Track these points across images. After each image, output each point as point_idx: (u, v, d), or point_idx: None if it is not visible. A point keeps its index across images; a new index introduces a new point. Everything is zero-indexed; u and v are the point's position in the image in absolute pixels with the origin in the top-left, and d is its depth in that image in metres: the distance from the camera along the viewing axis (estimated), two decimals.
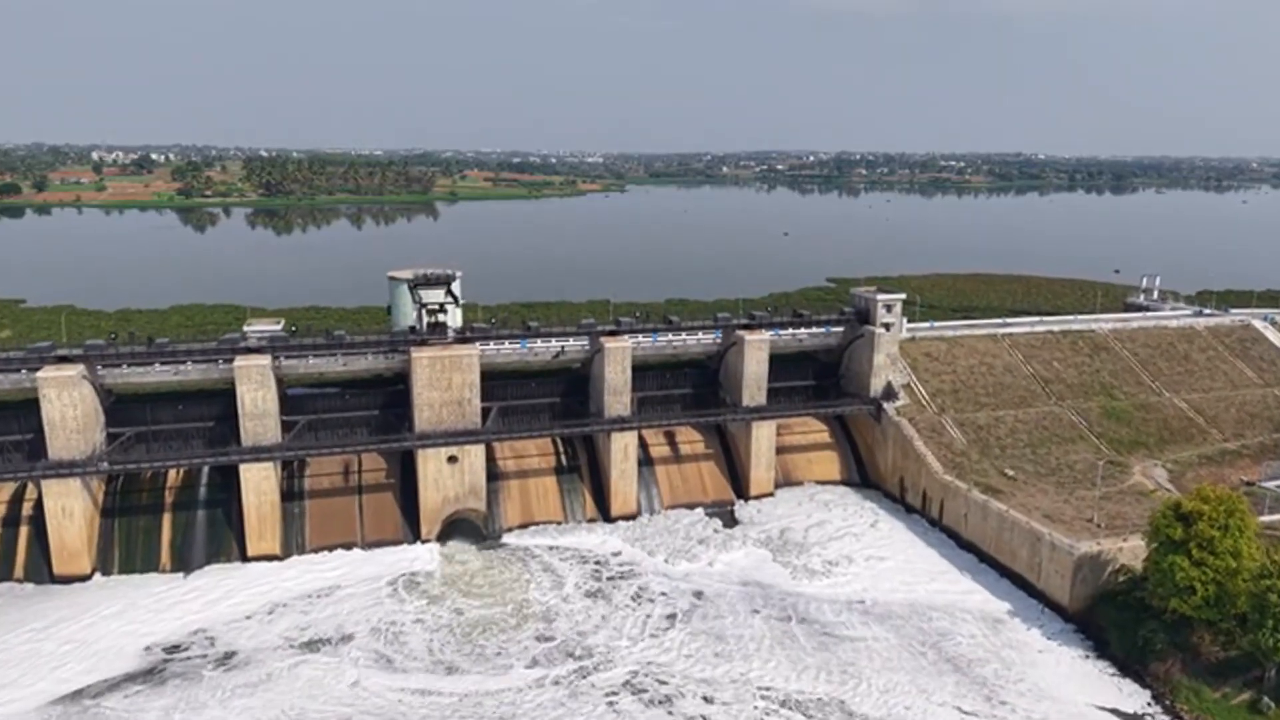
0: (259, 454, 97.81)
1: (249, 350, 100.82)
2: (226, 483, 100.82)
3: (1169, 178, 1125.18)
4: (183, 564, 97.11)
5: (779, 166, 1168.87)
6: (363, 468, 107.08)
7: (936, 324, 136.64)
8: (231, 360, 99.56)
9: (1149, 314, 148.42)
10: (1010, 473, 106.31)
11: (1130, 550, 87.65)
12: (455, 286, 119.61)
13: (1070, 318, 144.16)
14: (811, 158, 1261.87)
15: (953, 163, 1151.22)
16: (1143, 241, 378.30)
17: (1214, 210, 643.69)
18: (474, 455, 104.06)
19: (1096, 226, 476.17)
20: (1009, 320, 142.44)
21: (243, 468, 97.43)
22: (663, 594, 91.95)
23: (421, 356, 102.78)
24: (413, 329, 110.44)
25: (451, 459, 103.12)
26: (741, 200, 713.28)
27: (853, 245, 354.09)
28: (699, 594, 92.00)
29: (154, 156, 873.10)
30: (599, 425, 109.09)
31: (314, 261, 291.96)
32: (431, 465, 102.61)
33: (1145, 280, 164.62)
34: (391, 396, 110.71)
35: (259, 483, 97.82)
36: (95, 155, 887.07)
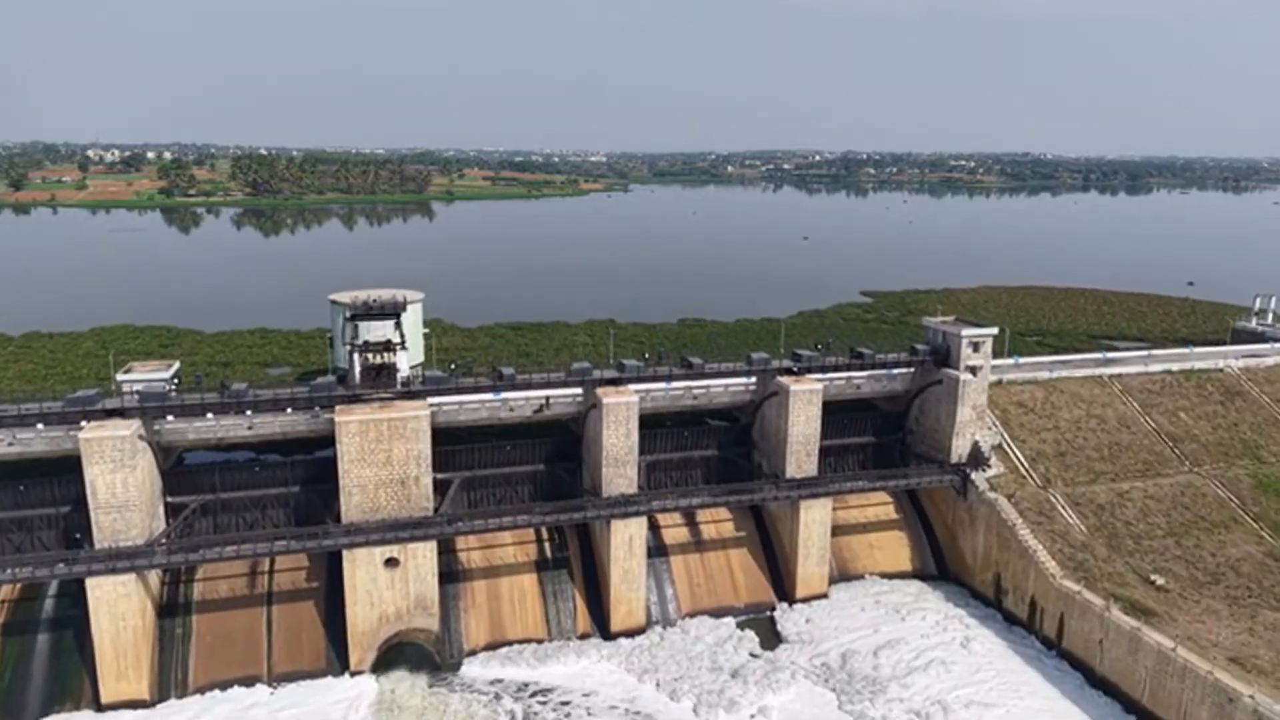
0: (115, 563, 69.68)
1: (107, 413, 72.71)
2: (82, 595, 72.83)
3: (1183, 178, 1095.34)
4: (11, 715, 69.27)
5: (785, 166, 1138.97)
6: (275, 568, 79.19)
7: (1022, 359, 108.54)
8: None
9: (1278, 345, 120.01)
10: (1159, 580, 77.89)
11: None
12: (409, 317, 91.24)
13: (1185, 350, 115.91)
14: (818, 157, 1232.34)
15: (963, 162, 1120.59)
16: (1194, 247, 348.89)
17: (1247, 212, 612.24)
18: (421, 555, 75.94)
19: (1131, 229, 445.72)
20: (1111, 355, 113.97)
21: (90, 584, 69.35)
22: None
23: (350, 421, 74.63)
24: (343, 378, 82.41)
25: (390, 561, 75.07)
26: (750, 200, 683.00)
27: (879, 251, 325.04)
28: None
29: (149, 155, 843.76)
30: (595, 510, 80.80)
31: (279, 270, 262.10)
32: (363, 572, 74.53)
33: (1258, 301, 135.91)
34: (318, 467, 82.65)
35: (115, 603, 69.79)
36: (90, 153, 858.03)
